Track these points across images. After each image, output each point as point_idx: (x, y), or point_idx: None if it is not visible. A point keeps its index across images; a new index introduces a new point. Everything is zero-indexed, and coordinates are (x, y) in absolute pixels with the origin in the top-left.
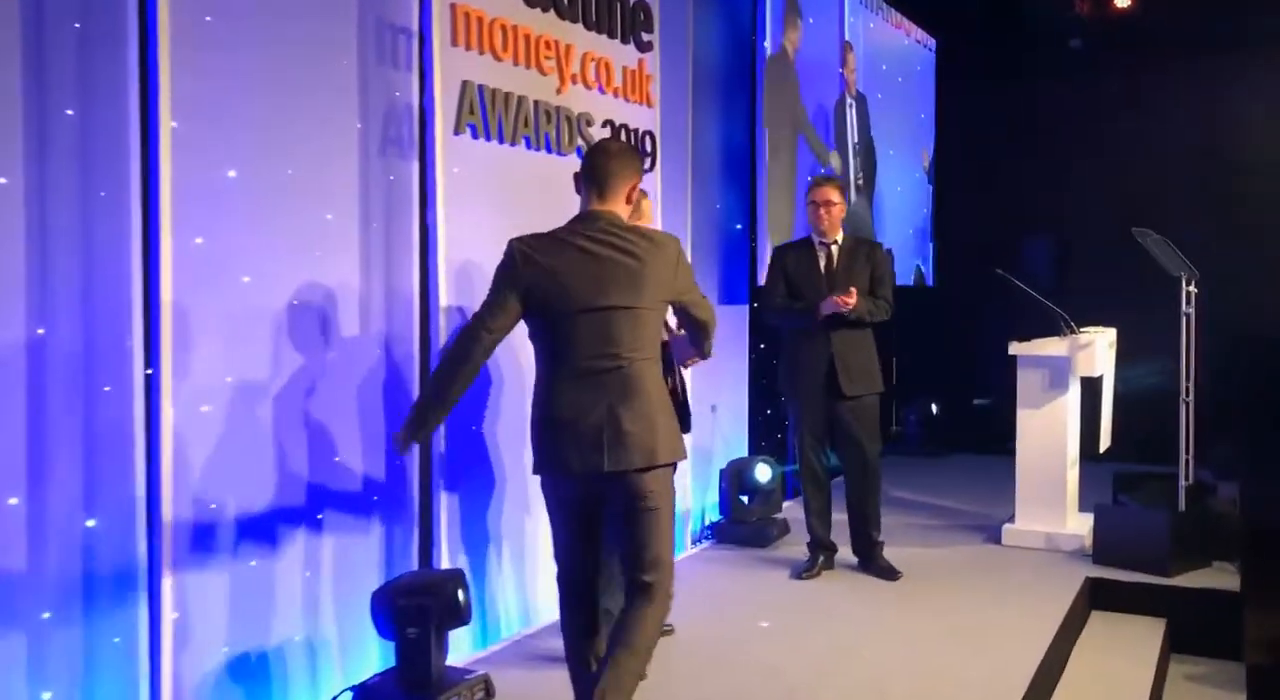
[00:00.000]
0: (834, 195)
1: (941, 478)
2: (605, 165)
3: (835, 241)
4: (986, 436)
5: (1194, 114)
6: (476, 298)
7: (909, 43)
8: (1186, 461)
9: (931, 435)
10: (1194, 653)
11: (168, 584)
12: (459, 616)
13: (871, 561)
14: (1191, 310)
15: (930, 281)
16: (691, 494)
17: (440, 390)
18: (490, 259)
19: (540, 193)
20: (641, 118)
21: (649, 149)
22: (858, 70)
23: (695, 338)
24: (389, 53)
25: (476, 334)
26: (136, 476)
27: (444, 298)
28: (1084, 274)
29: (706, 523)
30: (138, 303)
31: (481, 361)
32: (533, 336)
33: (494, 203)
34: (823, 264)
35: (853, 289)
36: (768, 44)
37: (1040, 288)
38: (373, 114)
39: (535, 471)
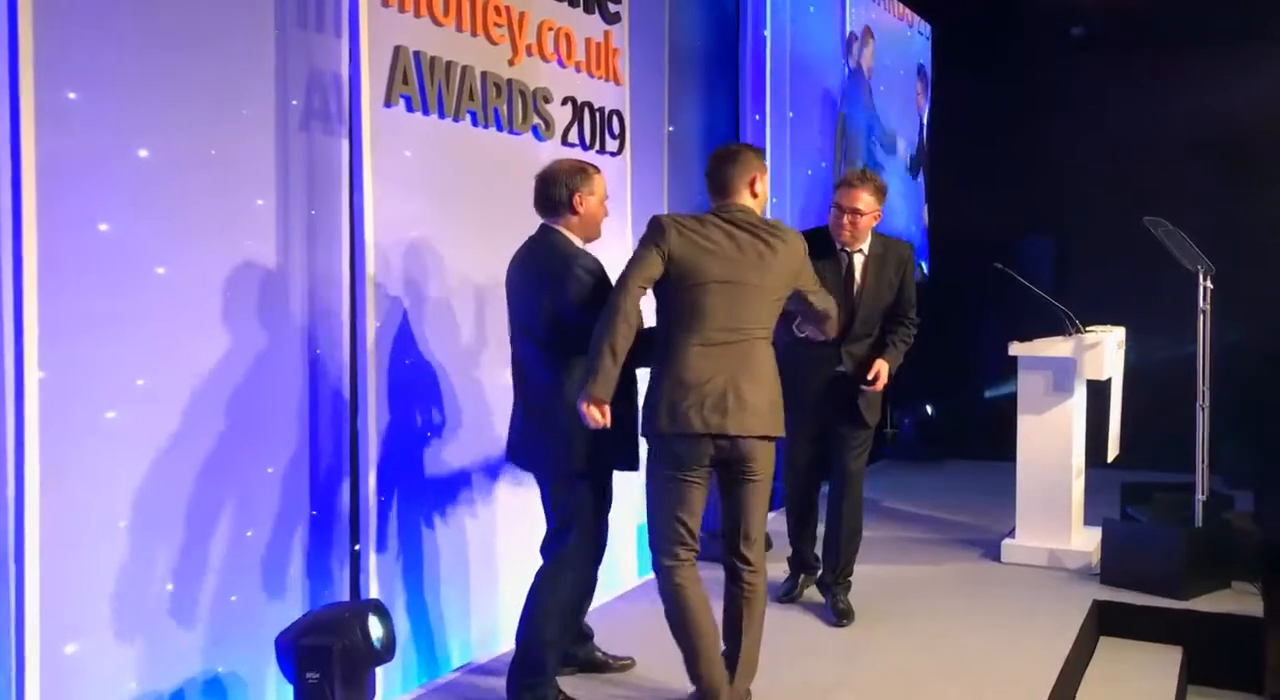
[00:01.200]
0: (866, 202)
1: (938, 486)
2: (719, 170)
3: (861, 249)
4: (989, 440)
5: (1201, 107)
6: (411, 291)
7: (902, 27)
8: (1202, 472)
9: (928, 439)
10: (1213, 684)
11: (54, 613)
12: (370, 657)
13: (833, 599)
14: (1208, 307)
15: (927, 279)
16: None
17: (604, 339)
18: (430, 247)
19: (490, 173)
20: (608, 95)
21: (616, 130)
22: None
23: (815, 319)
24: (312, 14)
25: (626, 286)
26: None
27: (373, 293)
28: (1087, 271)
29: None
30: (6, 298)
31: (634, 314)
32: (662, 305)
33: (435, 184)
34: (843, 273)
35: (880, 371)
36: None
37: (1042, 285)
38: (293, 84)
39: (649, 433)
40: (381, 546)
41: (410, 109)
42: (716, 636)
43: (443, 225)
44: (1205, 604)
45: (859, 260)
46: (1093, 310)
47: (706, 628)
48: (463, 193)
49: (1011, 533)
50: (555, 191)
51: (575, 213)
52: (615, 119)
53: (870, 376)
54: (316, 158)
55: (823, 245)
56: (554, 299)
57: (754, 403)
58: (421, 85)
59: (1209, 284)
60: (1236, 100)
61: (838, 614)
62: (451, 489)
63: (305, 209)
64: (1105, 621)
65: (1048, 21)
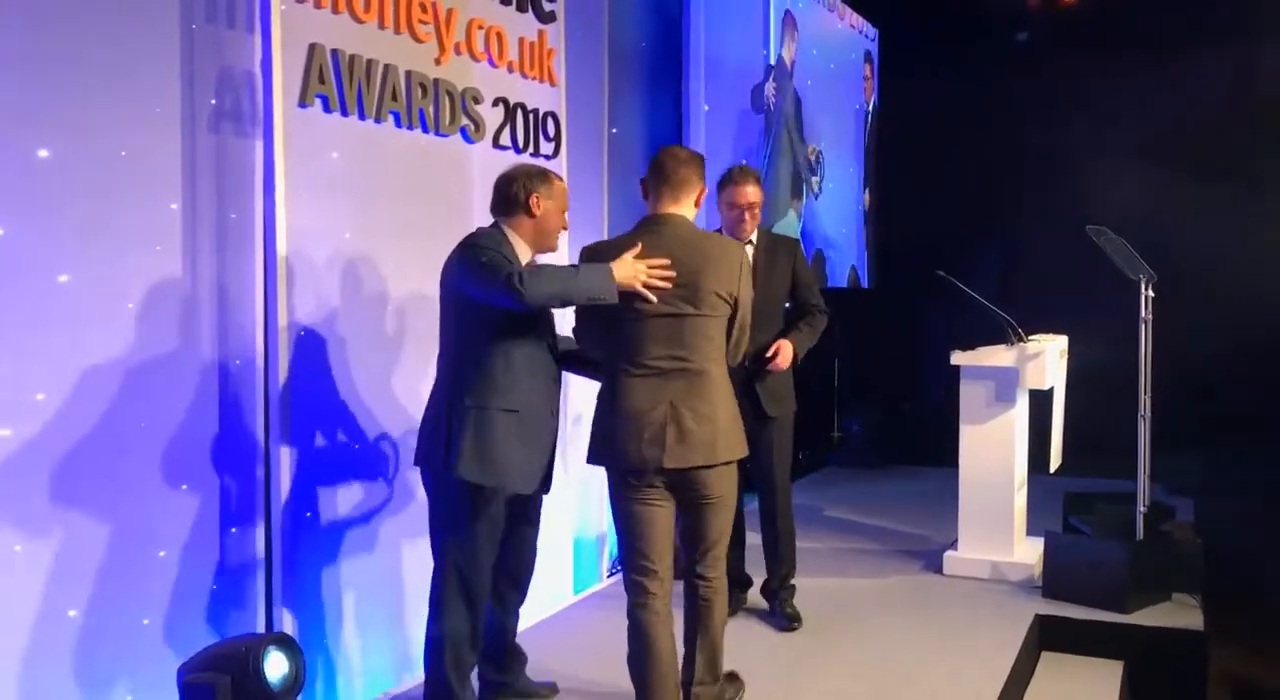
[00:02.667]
0: (757, 193)
1: (881, 494)
2: (677, 173)
3: (750, 240)
4: (934, 446)
5: (1148, 111)
6: (329, 300)
7: (842, 27)
8: (1144, 484)
9: (872, 446)
10: (1155, 698)
11: None
12: (264, 695)
13: (779, 606)
14: (1150, 316)
15: (865, 283)
16: (606, 518)
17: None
18: (351, 253)
19: (416, 177)
20: (542, 97)
21: (551, 132)
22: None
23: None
24: (222, 9)
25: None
26: None
27: (285, 302)
28: (1033, 279)
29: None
30: None
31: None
32: (598, 332)
33: (356, 188)
34: None
35: (781, 346)
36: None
37: (987, 293)
38: (204, 82)
39: (592, 461)
40: (293, 568)
41: (328, 109)
42: (673, 687)
43: (364, 231)
44: (1147, 618)
45: (750, 250)
46: (1037, 318)
47: (660, 675)
48: (386, 196)
49: (954, 544)
50: (512, 190)
51: (530, 214)
52: (550, 121)
53: (769, 354)
54: (229, 160)
55: None
56: (452, 276)
57: (697, 432)
58: (340, 84)
59: (1151, 293)
60: (1183, 105)
61: (787, 618)
62: (371, 506)
63: (217, 214)
64: (1047, 636)
65: (994, 27)
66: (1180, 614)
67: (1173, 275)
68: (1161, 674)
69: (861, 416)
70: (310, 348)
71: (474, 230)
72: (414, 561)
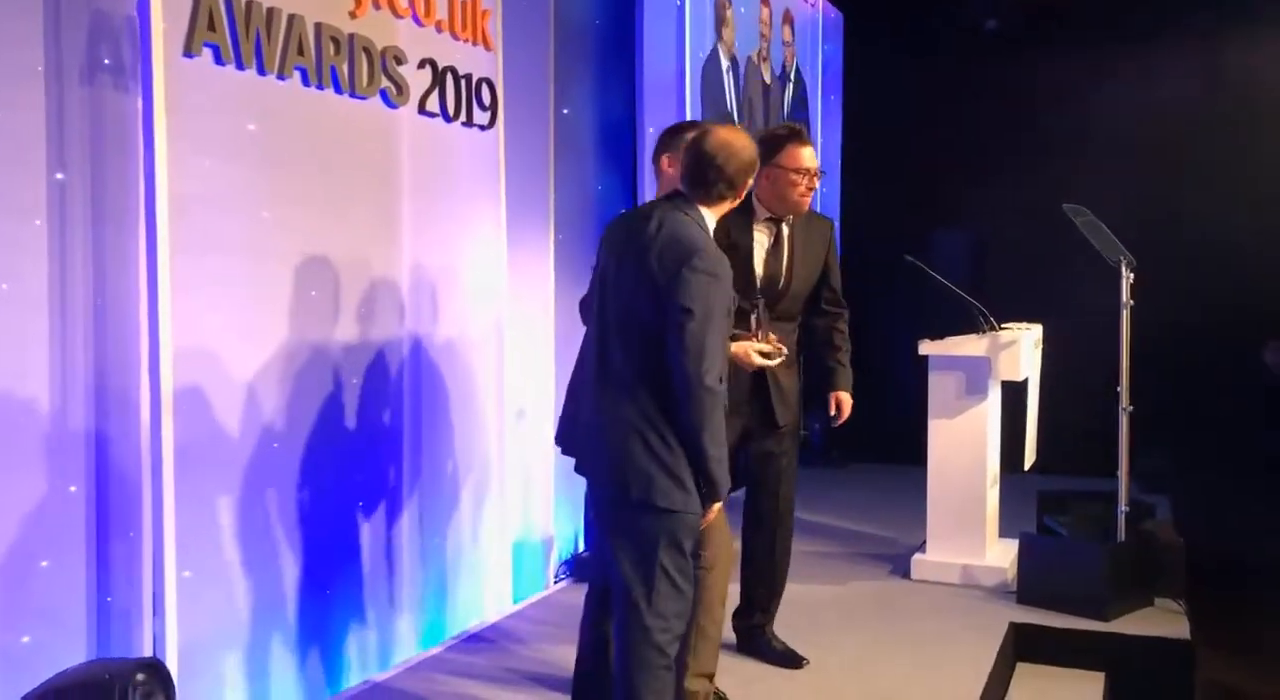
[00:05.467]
0: (816, 159)
1: (846, 493)
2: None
3: (789, 218)
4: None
5: (1120, 101)
6: (218, 283)
7: (807, 9)
8: (1125, 482)
9: (838, 443)
10: None
11: None
12: None
13: (767, 642)
14: (1131, 303)
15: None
16: (555, 520)
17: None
18: (249, 228)
19: (329, 142)
20: (476, 62)
21: (486, 101)
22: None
23: None
24: None
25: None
26: None
27: (169, 277)
28: (1004, 269)
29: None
30: None
31: None
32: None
33: (255, 152)
34: (766, 246)
35: (841, 401)
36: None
37: (958, 281)
38: (72, 27)
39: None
40: (182, 579)
41: (219, 61)
42: None
43: (265, 200)
44: (1129, 626)
45: (785, 228)
46: (1010, 307)
47: None
48: (292, 163)
49: (922, 547)
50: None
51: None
52: (485, 88)
53: (833, 414)
54: (105, 117)
55: (737, 222)
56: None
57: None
58: (234, 33)
59: (1131, 278)
60: (1155, 95)
61: (793, 658)
62: (266, 511)
63: (93, 181)
64: (1023, 646)
65: (963, 13)
66: (1164, 620)
67: (1151, 264)
68: (1146, 686)
69: (825, 413)
70: (200, 333)
71: (682, 220)
72: (308, 571)
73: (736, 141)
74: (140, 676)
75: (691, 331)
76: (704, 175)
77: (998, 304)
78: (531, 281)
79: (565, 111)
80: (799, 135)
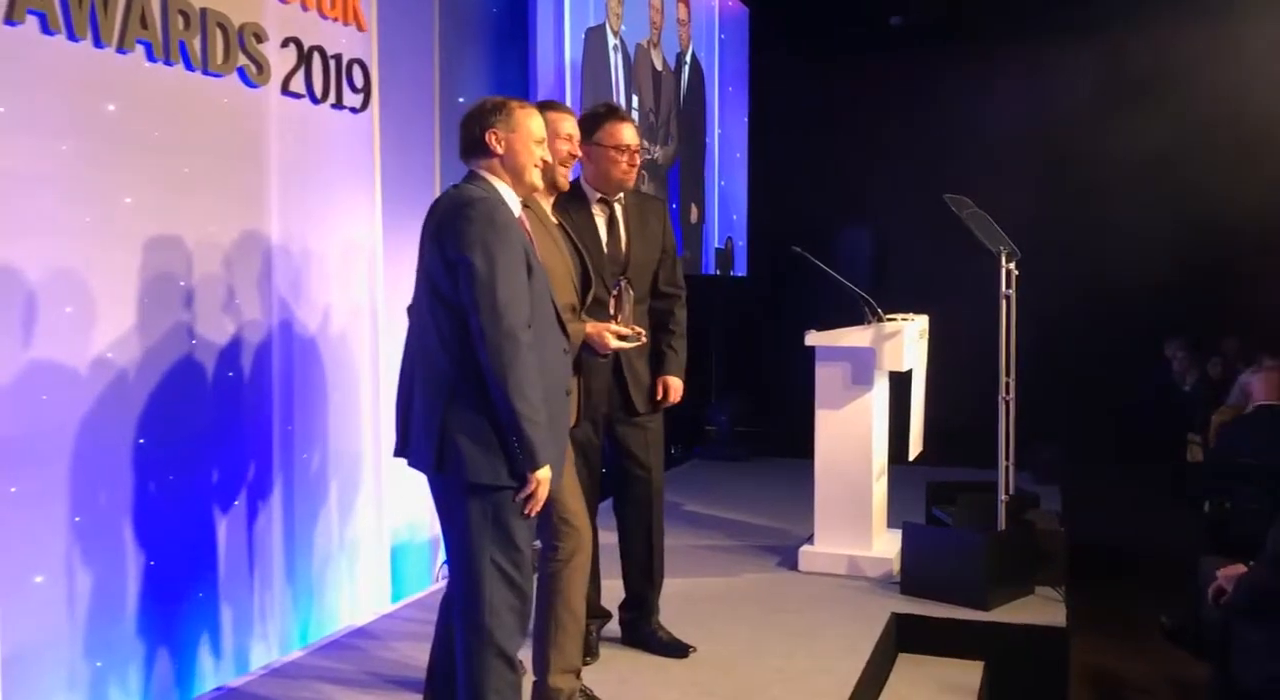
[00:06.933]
0: (637, 136)
1: (742, 487)
2: None
3: (619, 198)
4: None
5: (1017, 98)
6: (51, 272)
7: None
8: (1006, 470)
9: (740, 438)
10: (1016, 699)
11: None
12: None
13: (652, 633)
14: (1012, 292)
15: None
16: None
17: None
18: (89, 212)
19: (181, 123)
20: (347, 42)
21: (358, 83)
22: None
23: None
24: None
25: None
26: None
27: None
28: (904, 263)
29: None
30: None
31: None
32: None
33: (98, 130)
34: (604, 228)
35: (669, 384)
36: None
37: (858, 278)
38: None
39: None
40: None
41: (47, 30)
42: None
43: (99, 184)
44: (1009, 614)
45: (619, 208)
46: (907, 300)
47: None
48: (136, 143)
49: (811, 538)
50: (469, 129)
51: (493, 154)
52: (357, 69)
53: (659, 397)
54: None
55: (571, 205)
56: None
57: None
58: (64, 0)
59: (1012, 267)
60: (1057, 95)
61: (679, 647)
62: (121, 504)
63: None
64: (904, 637)
65: (867, 10)
66: (1043, 608)
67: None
68: (1023, 673)
69: (729, 407)
70: (35, 324)
71: (461, 187)
72: (156, 572)
73: (474, 103)
74: None
75: (479, 280)
76: (463, 141)
77: (897, 296)
78: (413, 270)
79: (461, 100)
80: (617, 112)
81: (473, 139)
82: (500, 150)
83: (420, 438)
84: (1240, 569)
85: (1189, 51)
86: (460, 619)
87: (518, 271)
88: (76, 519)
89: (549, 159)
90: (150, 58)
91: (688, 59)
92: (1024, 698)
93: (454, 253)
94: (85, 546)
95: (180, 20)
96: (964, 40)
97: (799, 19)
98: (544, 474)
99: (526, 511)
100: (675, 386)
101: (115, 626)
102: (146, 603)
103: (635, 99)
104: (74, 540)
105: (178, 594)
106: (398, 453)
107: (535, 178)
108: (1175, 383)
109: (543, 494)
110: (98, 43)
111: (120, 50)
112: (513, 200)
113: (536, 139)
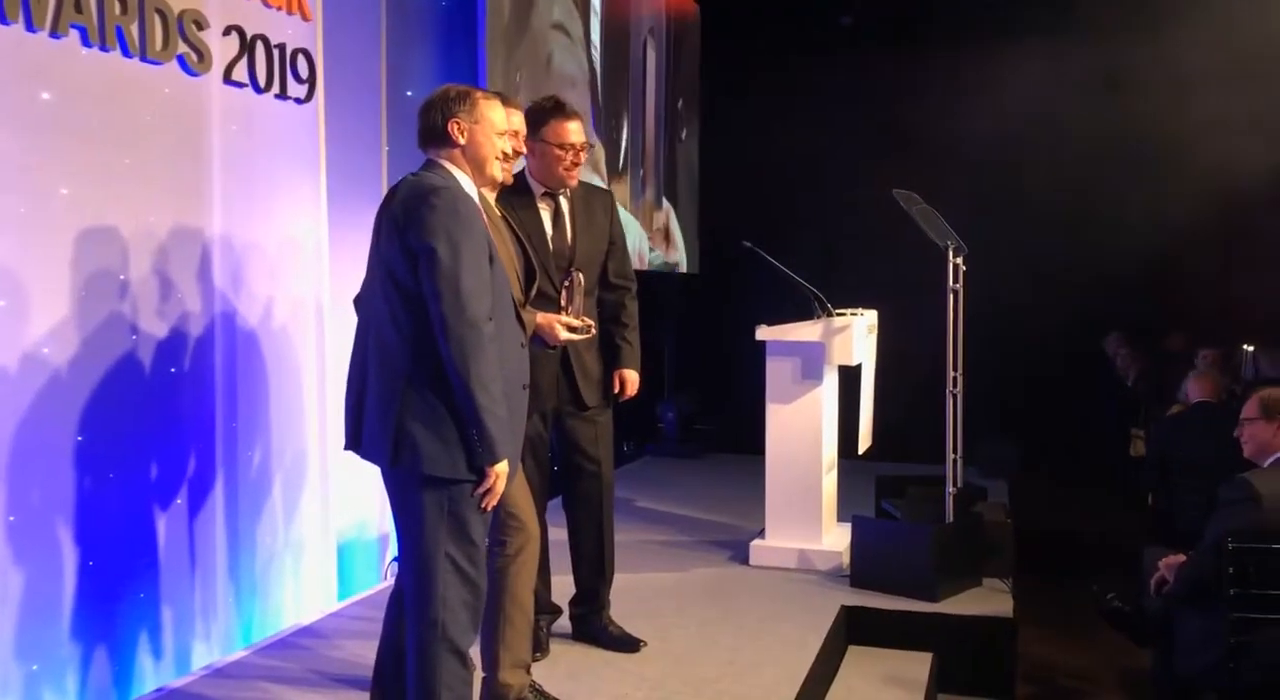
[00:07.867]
0: (584, 134)
1: (695, 482)
2: None
3: (564, 191)
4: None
5: (968, 99)
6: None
7: None
8: (954, 464)
9: (693, 433)
10: (963, 690)
11: None
12: None
13: (603, 628)
14: (960, 287)
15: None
16: (389, 515)
17: None
18: (27, 205)
19: (118, 111)
20: (291, 32)
21: (303, 73)
22: None
23: None
24: None
25: None
26: None
27: None
28: (856, 260)
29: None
30: None
31: None
32: None
33: (22, 121)
34: (549, 221)
35: (626, 378)
36: None
37: (808, 275)
38: None
39: None
40: None
41: None
42: None
43: (34, 175)
44: (957, 606)
45: (564, 202)
46: (859, 296)
47: None
48: (67, 131)
49: (762, 533)
50: (430, 117)
51: (455, 145)
52: (302, 59)
53: (616, 391)
54: None
55: (516, 199)
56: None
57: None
58: None
59: (960, 262)
60: (1008, 97)
61: (629, 642)
62: (56, 501)
63: None
64: (854, 629)
65: (817, 10)
66: (990, 600)
67: (991, 255)
68: (970, 663)
69: (681, 403)
70: None
71: (421, 175)
72: (93, 571)
73: (436, 90)
74: None
75: (442, 269)
76: (423, 129)
77: (848, 293)
78: (360, 262)
79: (409, 94)
80: (563, 109)
81: (433, 127)
82: (462, 140)
83: (374, 430)
84: (1181, 559)
85: (1133, 52)
86: (412, 614)
87: (481, 262)
88: (10, 518)
89: (510, 151)
90: (85, 43)
91: (641, 54)
92: (972, 688)
93: (416, 241)
94: (19, 546)
95: (117, 5)
96: (913, 40)
97: (750, 18)
98: (502, 468)
99: (483, 506)
100: (631, 380)
101: (51, 628)
102: (84, 603)
103: (569, 88)
104: (7, 540)
105: (117, 593)
106: (348, 446)
107: (497, 170)
108: (1119, 378)
109: (500, 488)
110: (30, 27)
111: (54, 35)
112: (472, 191)
113: (499, 131)
